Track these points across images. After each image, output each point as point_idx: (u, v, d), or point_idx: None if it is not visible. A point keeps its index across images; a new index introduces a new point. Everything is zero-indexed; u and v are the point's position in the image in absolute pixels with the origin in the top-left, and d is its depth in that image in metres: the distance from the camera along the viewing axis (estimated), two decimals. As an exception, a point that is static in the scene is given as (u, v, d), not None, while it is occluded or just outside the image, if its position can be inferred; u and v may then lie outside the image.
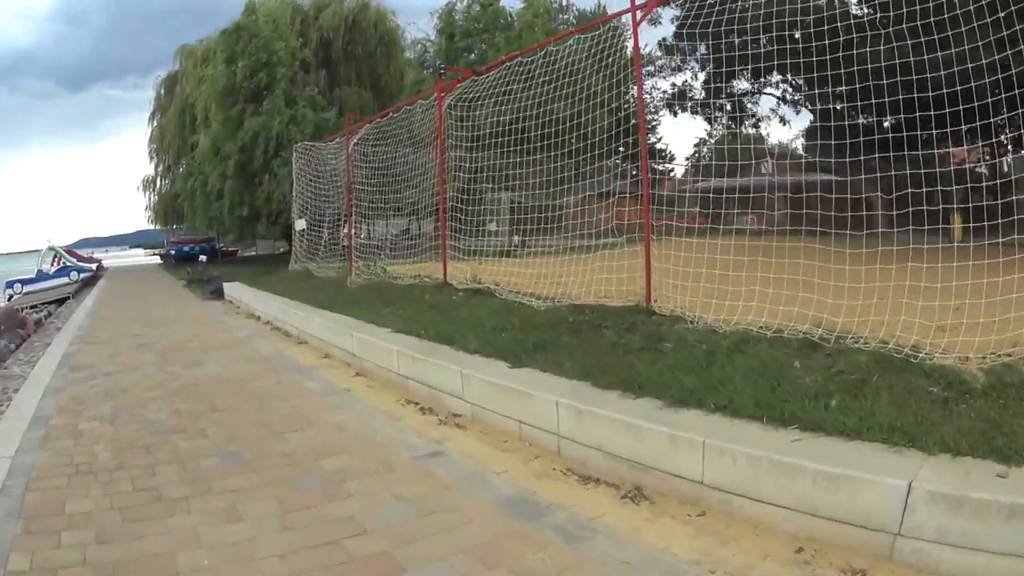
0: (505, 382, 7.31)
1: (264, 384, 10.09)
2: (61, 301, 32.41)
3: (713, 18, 10.09)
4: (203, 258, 37.97)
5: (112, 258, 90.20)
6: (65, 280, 39.24)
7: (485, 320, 10.37)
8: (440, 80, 14.61)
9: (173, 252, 54.63)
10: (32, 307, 31.20)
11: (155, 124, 50.69)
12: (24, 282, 39.77)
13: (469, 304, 12.00)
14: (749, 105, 38.62)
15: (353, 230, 21.00)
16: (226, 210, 34.55)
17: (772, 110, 40.11)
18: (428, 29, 39.14)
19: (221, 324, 17.51)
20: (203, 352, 13.14)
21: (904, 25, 9.83)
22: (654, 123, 43.08)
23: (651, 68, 43.04)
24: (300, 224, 22.98)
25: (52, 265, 42.18)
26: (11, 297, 37.48)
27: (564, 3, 42.78)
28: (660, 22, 36.89)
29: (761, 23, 11.36)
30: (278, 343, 14.09)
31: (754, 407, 5.62)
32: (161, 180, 52.27)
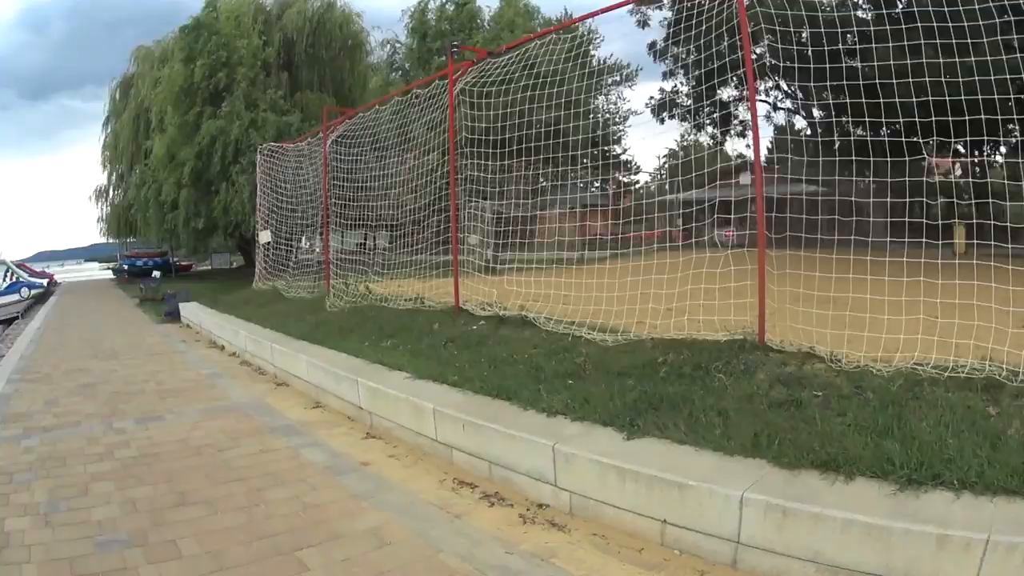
0: (637, 465, 5.24)
1: (247, 454, 7.60)
2: (9, 321, 29.82)
3: (704, 20, 9.31)
4: (156, 274, 35.55)
5: (66, 272, 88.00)
6: (16, 297, 36.92)
7: (541, 363, 8.26)
8: (451, 60, 12.43)
9: (126, 267, 51.91)
10: None
11: (109, 130, 47.93)
12: None
13: (501, 338, 9.91)
14: (737, 113, 37.63)
15: (330, 243, 18.71)
16: (181, 222, 32.61)
17: (766, 117, 38.68)
18: (397, 30, 37.54)
19: (180, 357, 15.05)
20: (161, 399, 10.72)
21: (904, 25, 10.54)
22: (620, 134, 41.31)
23: (618, 76, 41.43)
24: (264, 236, 20.50)
25: (4, 280, 39.62)
26: None
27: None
28: (649, 24, 35.93)
29: (758, 26, 10.31)
30: (253, 385, 11.70)
31: (1008, 477, 4.30)
32: (114, 190, 49.46)
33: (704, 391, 6.47)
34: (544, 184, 12.81)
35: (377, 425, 8.39)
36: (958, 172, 27.22)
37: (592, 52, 30.99)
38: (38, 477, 6.98)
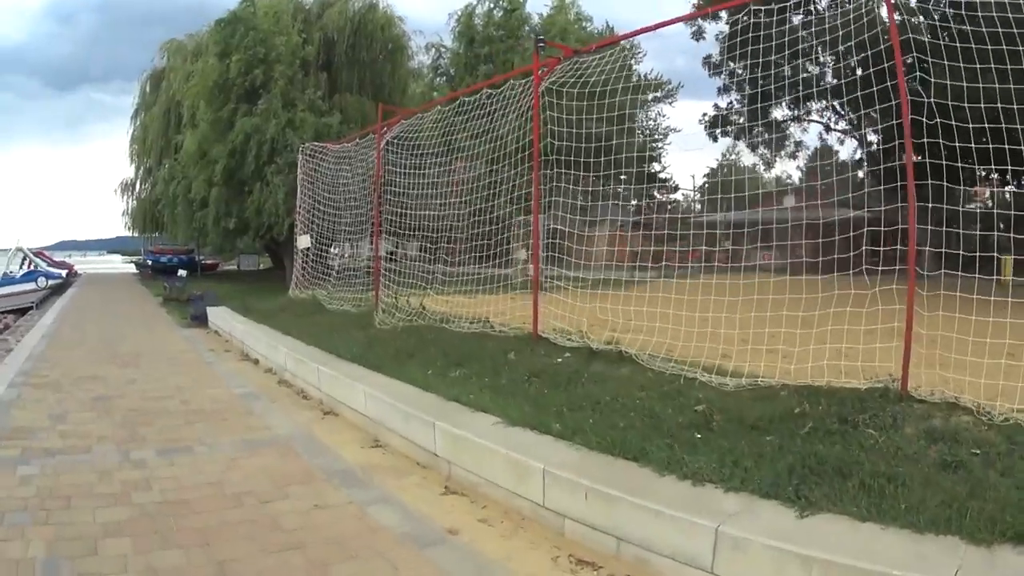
0: (825, 552, 4.21)
1: (300, 509, 6.21)
2: (24, 311, 28.67)
3: (762, 34, 9.30)
4: (182, 273, 34.18)
5: (88, 263, 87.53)
6: (32, 286, 35.76)
7: (656, 409, 7.09)
8: (537, 56, 11.34)
9: (149, 262, 50.80)
10: None
11: (137, 123, 47.50)
12: None
13: (595, 375, 8.62)
14: (791, 133, 38.06)
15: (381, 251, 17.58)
16: (211, 220, 31.26)
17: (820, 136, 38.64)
18: (443, 35, 36.51)
19: (209, 369, 13.68)
20: (188, 423, 9.35)
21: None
22: (659, 151, 40.29)
23: (658, 93, 40.43)
24: (304, 241, 19.21)
25: (21, 268, 38.48)
26: None
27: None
28: (704, 37, 34.84)
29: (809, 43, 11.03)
30: (296, 411, 10.34)
31: None
32: (141, 184, 48.89)
33: (861, 451, 5.59)
34: (592, 201, 11.71)
35: (458, 477, 7.03)
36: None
37: (635, 66, 29.94)
38: (35, 521, 5.68)
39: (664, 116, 38.64)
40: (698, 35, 34.61)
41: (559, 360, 9.40)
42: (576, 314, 10.84)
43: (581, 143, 11.90)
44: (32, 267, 39.06)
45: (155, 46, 45.62)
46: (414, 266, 15.84)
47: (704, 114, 38.64)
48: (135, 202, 49.75)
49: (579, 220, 12.86)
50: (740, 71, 30.80)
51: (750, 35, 9.19)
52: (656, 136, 38.19)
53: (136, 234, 53.54)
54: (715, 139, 38.12)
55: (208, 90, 30.24)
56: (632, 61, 31.57)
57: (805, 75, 30.20)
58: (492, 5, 35.41)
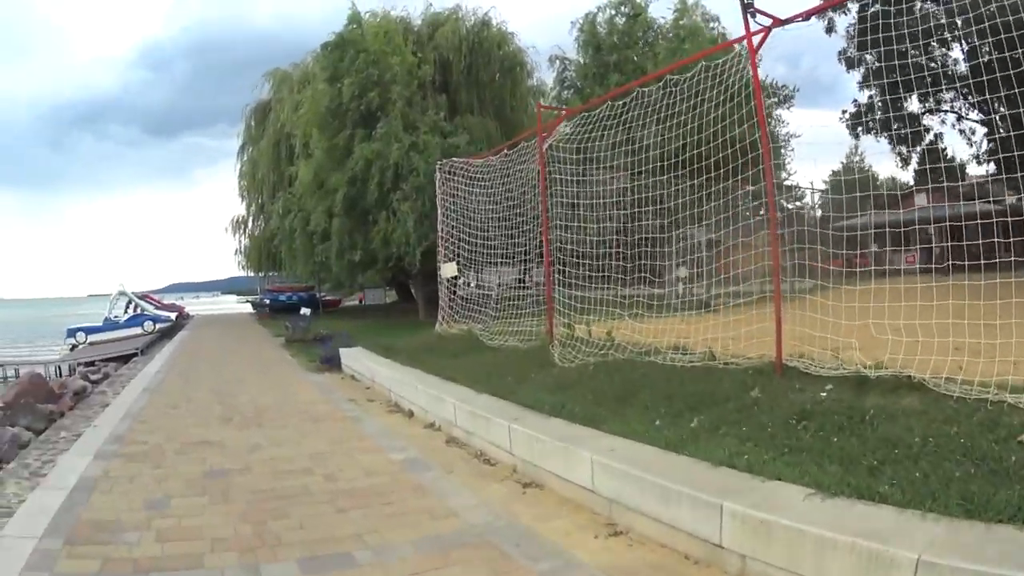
0: None
1: None
2: (128, 357, 27.05)
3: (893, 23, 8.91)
4: (306, 311, 32.45)
5: (201, 305, 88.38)
6: (137, 331, 34.69)
7: (987, 448, 5.34)
8: (748, 25, 8.82)
9: (267, 301, 49.52)
10: (87, 363, 26.20)
11: (245, 158, 47.11)
12: (89, 330, 35.21)
13: (878, 410, 6.55)
14: (928, 125, 35.46)
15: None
16: (334, 253, 29.35)
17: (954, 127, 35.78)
18: (564, 46, 34.53)
19: (354, 427, 11.28)
20: (339, 512, 6.96)
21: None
22: (783, 158, 37.80)
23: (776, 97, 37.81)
24: (449, 269, 16.93)
25: (126, 312, 37.35)
26: (73, 347, 33.16)
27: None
28: (835, 31, 33.13)
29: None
30: (484, 486, 7.85)
31: None
32: (253, 220, 48.26)
33: None
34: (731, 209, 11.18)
35: (759, 576, 4.57)
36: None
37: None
38: None
39: (784, 122, 35.83)
40: (830, 29, 32.81)
41: (823, 395, 7.23)
42: (820, 332, 8.49)
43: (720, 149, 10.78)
44: (138, 311, 37.90)
45: (252, 90, 45.05)
46: (562, 292, 13.43)
47: (844, 111, 36.08)
48: (248, 240, 48.83)
49: (729, 230, 11.72)
50: (873, 62, 28.74)
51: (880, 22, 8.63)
52: (780, 143, 35.44)
53: (251, 273, 52.78)
54: (857, 136, 36.49)
55: (320, 117, 28.68)
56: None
57: (935, 65, 28.15)
58: (614, 12, 33.11)
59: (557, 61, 35.28)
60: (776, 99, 35.08)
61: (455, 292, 17.48)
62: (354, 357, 16.94)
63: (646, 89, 11.65)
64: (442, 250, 17.44)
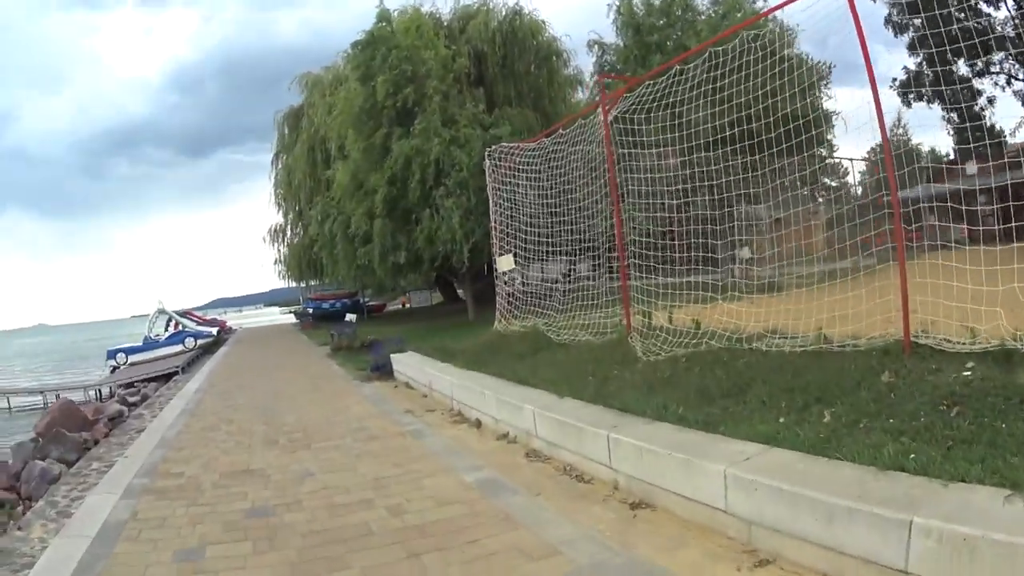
0: None
1: None
2: (168, 376, 26.18)
3: None
4: (351, 317, 31.43)
5: (243, 318, 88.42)
6: (179, 348, 34.04)
7: None
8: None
9: (310, 310, 48.78)
10: (128, 385, 25.39)
11: (279, 166, 46.62)
12: (129, 351, 34.70)
13: None
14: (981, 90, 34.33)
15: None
16: (376, 256, 28.11)
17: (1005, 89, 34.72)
18: (601, 30, 33.23)
19: (416, 444, 9.91)
20: (412, 556, 5.72)
21: None
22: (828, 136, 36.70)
23: (816, 76, 36.63)
24: (506, 263, 15.66)
25: (166, 330, 36.66)
26: (114, 369, 32.70)
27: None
28: None
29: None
30: (582, 510, 6.55)
31: None
32: (291, 229, 47.62)
33: None
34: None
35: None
36: None
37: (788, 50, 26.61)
38: None
39: (830, 96, 34.60)
40: None
41: (967, 374, 6.21)
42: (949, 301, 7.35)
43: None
44: (178, 328, 37.17)
45: (284, 93, 44.61)
46: (637, 278, 12.29)
47: (894, 79, 35.04)
48: (287, 249, 47.93)
49: (791, 210, 11.25)
50: (920, 26, 27.68)
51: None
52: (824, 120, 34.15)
53: (292, 283, 51.92)
54: (908, 104, 34.73)
55: (355, 117, 27.77)
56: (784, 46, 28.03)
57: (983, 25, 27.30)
58: (648, -9, 31.87)
59: (596, 46, 33.89)
60: (816, 76, 33.92)
61: (514, 287, 16.19)
62: (407, 363, 15.70)
63: (702, 60, 10.79)
64: (497, 242, 16.21)
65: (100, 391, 28.51)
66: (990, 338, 6.66)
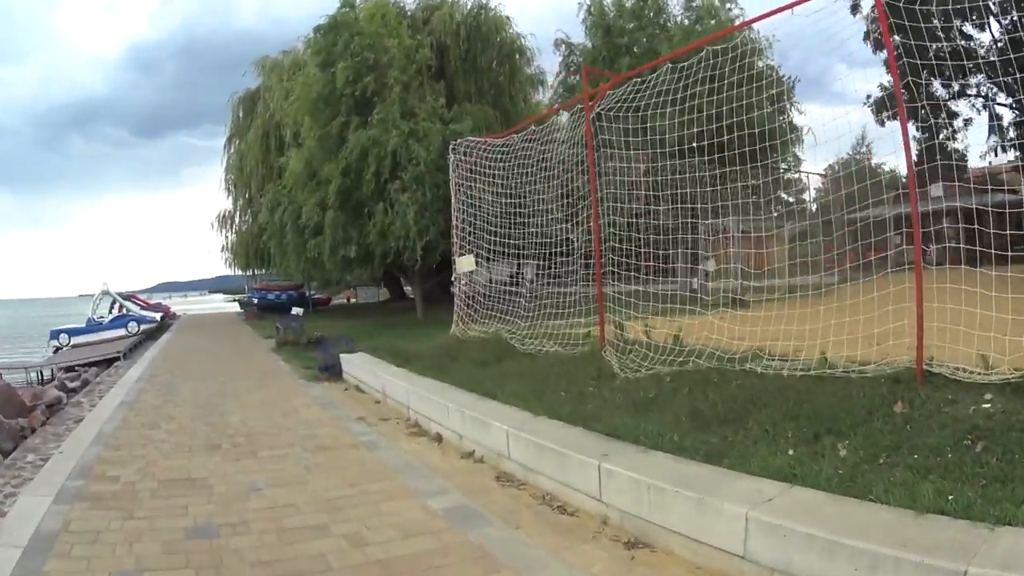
0: None
1: None
2: (109, 362, 25.05)
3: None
4: (298, 311, 30.34)
5: (188, 304, 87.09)
6: (122, 332, 32.70)
7: None
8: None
9: (255, 300, 47.52)
10: (69, 368, 24.30)
11: (232, 150, 45.49)
12: (72, 332, 33.28)
13: None
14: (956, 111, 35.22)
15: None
16: (327, 249, 27.21)
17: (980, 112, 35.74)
18: (569, 30, 32.99)
19: (372, 458, 8.97)
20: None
21: None
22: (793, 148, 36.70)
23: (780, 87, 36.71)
24: (466, 263, 14.88)
25: (110, 312, 35.41)
26: (57, 350, 31.41)
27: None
28: (860, 8, 30.18)
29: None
30: (570, 548, 5.78)
31: None
32: (240, 215, 46.52)
33: None
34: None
35: None
36: None
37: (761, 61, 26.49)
38: None
39: (797, 111, 34.53)
40: (855, 8, 30.48)
41: (987, 407, 5.81)
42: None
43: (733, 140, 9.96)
44: (122, 311, 35.89)
45: (241, 76, 43.73)
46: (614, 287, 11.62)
47: (868, 96, 34.17)
48: (235, 236, 46.85)
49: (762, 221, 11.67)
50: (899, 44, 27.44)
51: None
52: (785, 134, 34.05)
53: (238, 271, 50.73)
54: (883, 123, 33.20)
55: (312, 103, 27.07)
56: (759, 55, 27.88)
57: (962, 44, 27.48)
58: (621, -8, 31.46)
59: (563, 45, 33.60)
60: (779, 89, 33.78)
61: (474, 289, 15.45)
62: (358, 365, 14.78)
63: (690, 63, 10.32)
64: (457, 241, 15.42)
65: (41, 372, 27.41)
66: (1012, 369, 6.26)
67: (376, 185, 25.25)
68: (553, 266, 13.36)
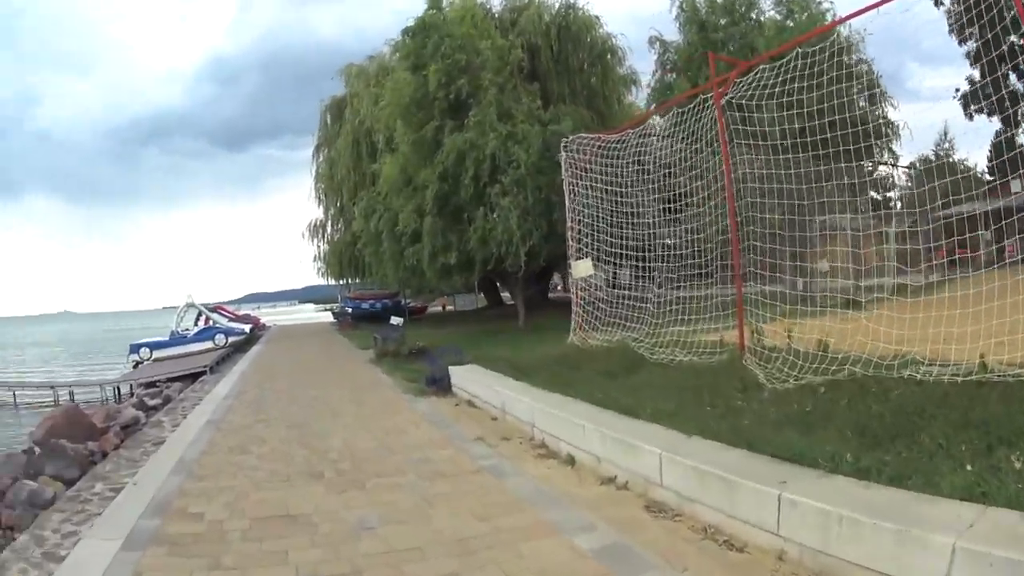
0: None
1: None
2: (195, 376, 24.70)
3: None
4: (398, 321, 29.73)
5: (278, 315, 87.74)
6: (208, 344, 32.55)
7: None
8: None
9: (349, 310, 47.21)
10: (149, 384, 23.94)
11: (321, 159, 45.86)
12: (154, 346, 32.98)
13: None
14: None
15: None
16: (425, 257, 26.45)
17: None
18: (661, 26, 32.43)
19: (499, 485, 8.05)
20: None
21: None
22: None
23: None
24: (582, 268, 14.14)
25: (196, 324, 35.25)
26: (136, 364, 31.18)
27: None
28: (943, 2, 29.34)
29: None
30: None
31: None
32: (332, 225, 46.75)
33: None
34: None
35: None
36: None
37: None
38: None
39: (890, 104, 33.39)
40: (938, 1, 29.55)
41: None
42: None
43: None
44: (209, 323, 35.72)
45: (328, 80, 44.33)
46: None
47: (957, 89, 34.34)
48: (327, 245, 46.94)
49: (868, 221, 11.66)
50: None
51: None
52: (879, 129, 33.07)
53: (330, 280, 50.64)
54: (971, 117, 33.58)
55: (404, 107, 26.40)
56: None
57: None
58: (715, -14, 30.73)
59: (657, 43, 33.26)
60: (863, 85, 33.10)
61: (594, 294, 14.53)
62: (470, 378, 13.88)
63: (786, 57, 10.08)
64: (573, 244, 14.56)
65: (118, 389, 27.17)
66: None
67: (475, 189, 24.50)
68: (681, 268, 12.44)
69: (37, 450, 11.47)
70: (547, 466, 8.79)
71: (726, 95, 10.53)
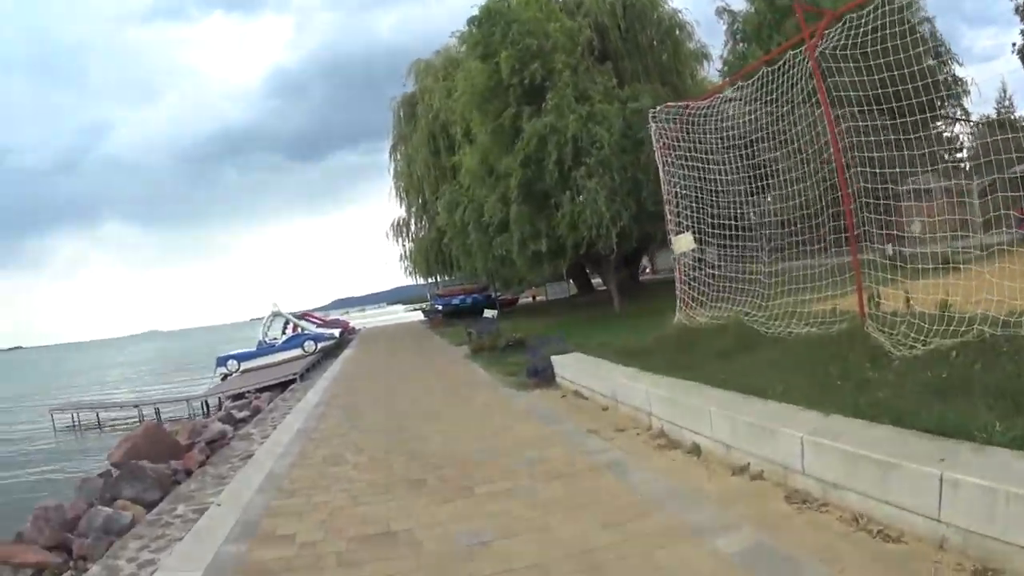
0: None
1: None
2: (285, 384, 24.63)
3: None
4: (491, 313, 29.41)
5: (367, 318, 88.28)
6: (297, 352, 32.54)
7: None
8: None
9: (439, 307, 47.28)
10: (238, 396, 23.99)
11: (398, 157, 45.96)
12: (241, 357, 33.24)
13: None
14: None
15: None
16: (515, 246, 26.11)
17: None
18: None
19: (621, 484, 7.45)
20: None
21: None
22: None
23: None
24: (683, 242, 13.51)
25: (283, 333, 35.32)
26: (225, 377, 31.29)
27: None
28: None
29: None
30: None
31: None
32: (416, 222, 46.85)
33: None
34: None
35: None
36: None
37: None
38: None
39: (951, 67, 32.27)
40: None
41: None
42: None
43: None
44: (296, 331, 35.78)
45: (400, 81, 44.61)
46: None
47: (1014, 44, 32.75)
48: (412, 243, 47.15)
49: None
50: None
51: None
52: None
53: (419, 279, 50.66)
54: None
55: (479, 97, 26.33)
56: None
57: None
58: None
59: (725, 13, 33.22)
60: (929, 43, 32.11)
61: (700, 271, 13.88)
62: (574, 367, 13.34)
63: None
64: (671, 219, 13.95)
65: (206, 403, 27.25)
66: None
67: (560, 173, 24.04)
68: (793, 235, 11.75)
69: (115, 472, 11.19)
70: (670, 458, 8.20)
71: (819, 46, 9.87)
